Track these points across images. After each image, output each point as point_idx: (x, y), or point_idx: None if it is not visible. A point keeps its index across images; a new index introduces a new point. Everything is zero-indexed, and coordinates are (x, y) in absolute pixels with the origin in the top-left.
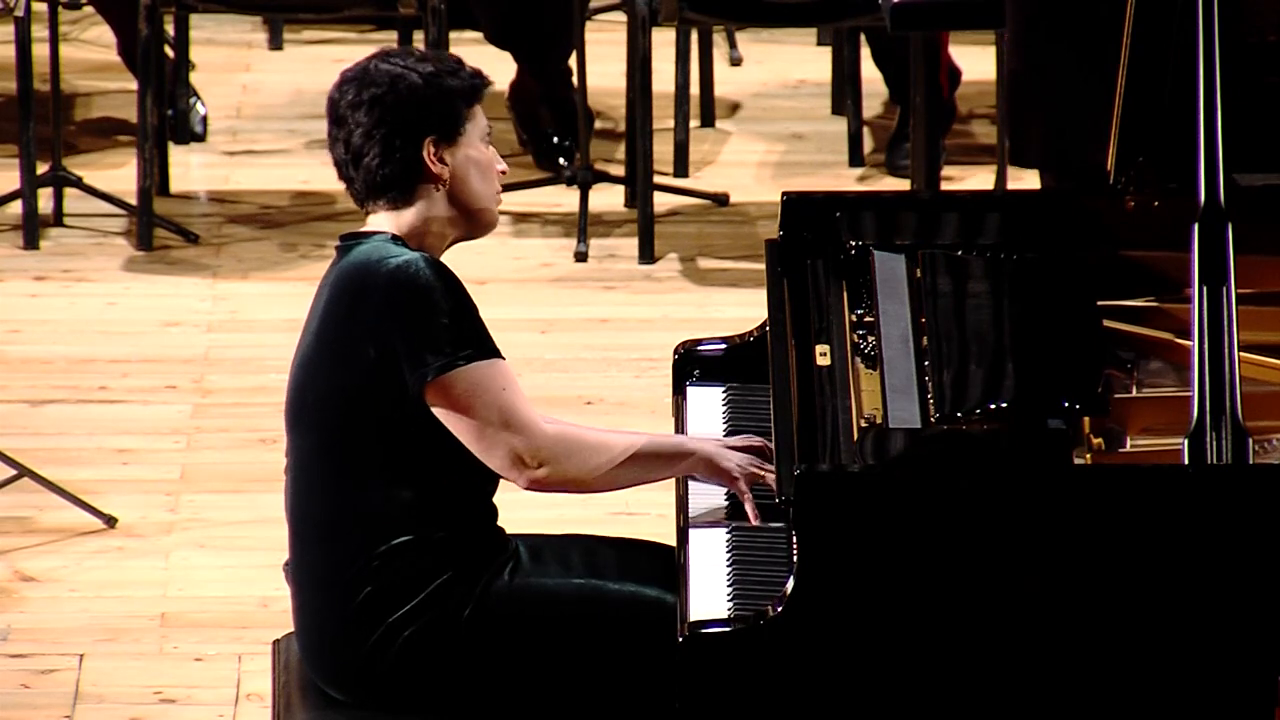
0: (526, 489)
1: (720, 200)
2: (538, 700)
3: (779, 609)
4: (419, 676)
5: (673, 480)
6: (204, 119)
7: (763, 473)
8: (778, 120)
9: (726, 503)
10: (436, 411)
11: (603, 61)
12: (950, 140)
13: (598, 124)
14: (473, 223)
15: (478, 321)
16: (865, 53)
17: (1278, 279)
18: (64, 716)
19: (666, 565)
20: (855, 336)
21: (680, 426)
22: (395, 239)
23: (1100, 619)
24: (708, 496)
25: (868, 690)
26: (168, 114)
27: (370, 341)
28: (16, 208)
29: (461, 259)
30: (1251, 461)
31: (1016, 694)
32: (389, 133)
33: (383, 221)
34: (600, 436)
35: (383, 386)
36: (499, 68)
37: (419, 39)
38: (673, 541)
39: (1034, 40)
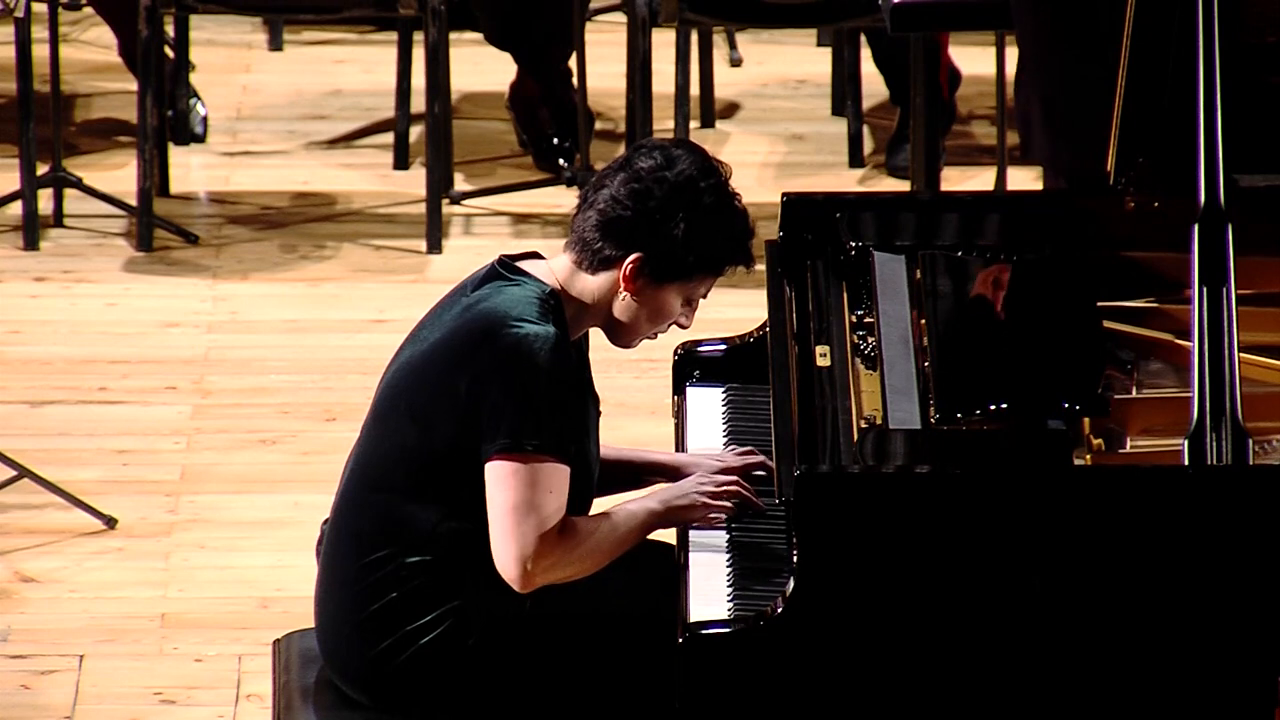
0: (521, 589)
1: None
2: (543, 709)
3: (779, 609)
4: (424, 684)
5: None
6: (204, 120)
7: (717, 489)
8: (778, 121)
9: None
10: (486, 477)
11: (603, 62)
12: (950, 141)
13: (598, 124)
14: (611, 334)
15: (566, 419)
16: (865, 53)
17: (1278, 279)
18: (64, 717)
19: (669, 566)
20: (855, 337)
21: (680, 427)
22: (552, 295)
23: (1100, 619)
24: None
25: (868, 690)
26: (168, 115)
27: (470, 393)
28: (16, 208)
29: (463, 260)
30: (1251, 462)
31: (1017, 694)
32: (618, 222)
33: (559, 266)
34: (590, 535)
35: (469, 435)
36: (499, 68)
37: (419, 39)
38: (673, 541)
39: (1041, 40)
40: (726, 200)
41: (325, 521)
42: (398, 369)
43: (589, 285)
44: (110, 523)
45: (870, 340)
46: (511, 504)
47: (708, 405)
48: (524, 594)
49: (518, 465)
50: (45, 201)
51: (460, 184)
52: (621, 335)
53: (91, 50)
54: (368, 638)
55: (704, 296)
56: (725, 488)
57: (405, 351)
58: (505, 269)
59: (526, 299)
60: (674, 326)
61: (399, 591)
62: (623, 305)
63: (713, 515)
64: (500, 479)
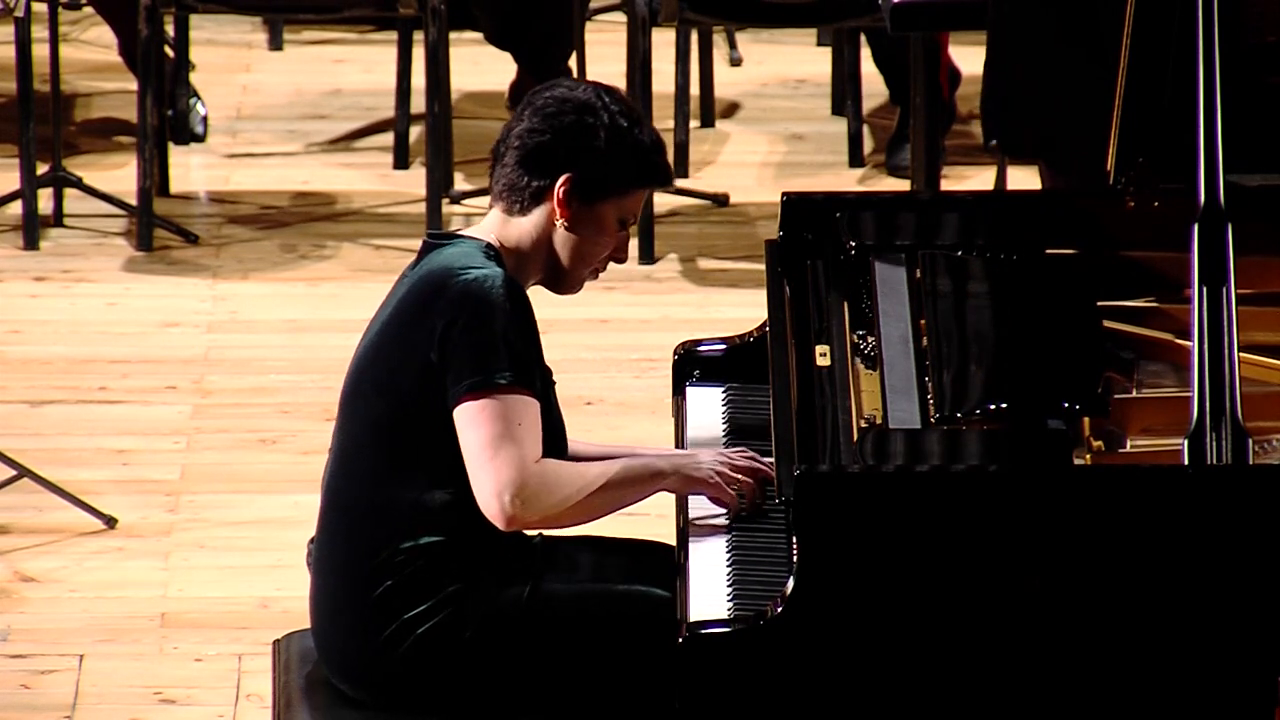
0: (504, 527)
1: (720, 201)
2: (542, 702)
3: (779, 609)
4: (425, 676)
5: None
6: (204, 119)
7: (735, 474)
8: (778, 120)
9: None
10: (456, 421)
11: (603, 61)
12: (950, 140)
13: None
14: (554, 280)
15: (529, 353)
16: (865, 53)
17: (1278, 279)
18: (64, 717)
19: (669, 565)
20: (855, 337)
21: (680, 427)
22: (489, 248)
23: (1100, 619)
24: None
25: (868, 690)
26: (168, 114)
27: (432, 347)
28: (16, 208)
29: None
30: (1251, 462)
31: (1017, 694)
32: (538, 150)
33: (489, 223)
34: (578, 473)
35: (437, 390)
36: (499, 68)
37: (419, 39)
38: (673, 541)
39: (1021, 25)
40: (635, 112)
41: (311, 540)
42: (356, 359)
43: (523, 227)
44: (110, 523)
45: (870, 340)
46: (485, 440)
47: (708, 405)
48: (525, 579)
49: (486, 402)
50: (45, 201)
51: (460, 184)
52: (564, 275)
53: (91, 50)
54: (367, 630)
55: (634, 221)
56: (742, 476)
57: (360, 345)
58: (436, 238)
59: (467, 252)
60: (614, 263)
61: (395, 579)
62: (561, 237)
63: (723, 495)
64: (471, 419)
